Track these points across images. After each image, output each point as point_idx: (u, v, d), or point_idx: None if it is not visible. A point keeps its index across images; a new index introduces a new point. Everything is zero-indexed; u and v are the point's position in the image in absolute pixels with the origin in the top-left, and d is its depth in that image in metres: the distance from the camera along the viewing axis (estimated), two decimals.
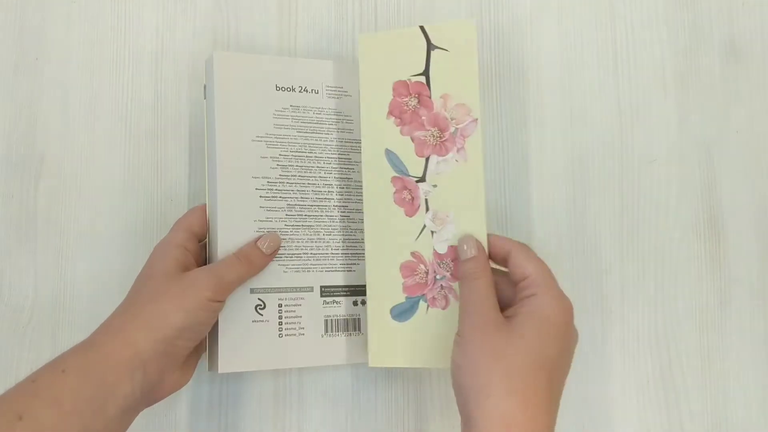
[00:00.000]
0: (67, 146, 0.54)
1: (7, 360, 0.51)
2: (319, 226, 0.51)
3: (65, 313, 0.52)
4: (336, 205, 0.51)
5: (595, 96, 0.57)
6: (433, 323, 0.46)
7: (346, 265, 0.51)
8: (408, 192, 0.48)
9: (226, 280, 0.44)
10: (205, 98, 0.51)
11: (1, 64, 0.54)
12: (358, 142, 0.51)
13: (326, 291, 0.50)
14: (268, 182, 0.50)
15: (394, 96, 0.48)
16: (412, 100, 0.48)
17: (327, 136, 0.52)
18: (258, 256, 0.47)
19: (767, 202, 0.57)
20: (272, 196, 0.50)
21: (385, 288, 0.47)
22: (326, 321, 0.50)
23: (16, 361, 0.51)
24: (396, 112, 0.48)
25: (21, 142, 0.54)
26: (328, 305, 0.50)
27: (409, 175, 0.48)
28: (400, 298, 0.47)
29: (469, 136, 0.47)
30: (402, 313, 0.47)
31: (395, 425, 0.53)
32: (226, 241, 0.48)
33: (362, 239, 0.50)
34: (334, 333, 0.50)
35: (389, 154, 0.48)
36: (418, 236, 0.47)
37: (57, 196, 0.53)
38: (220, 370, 0.47)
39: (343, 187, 0.51)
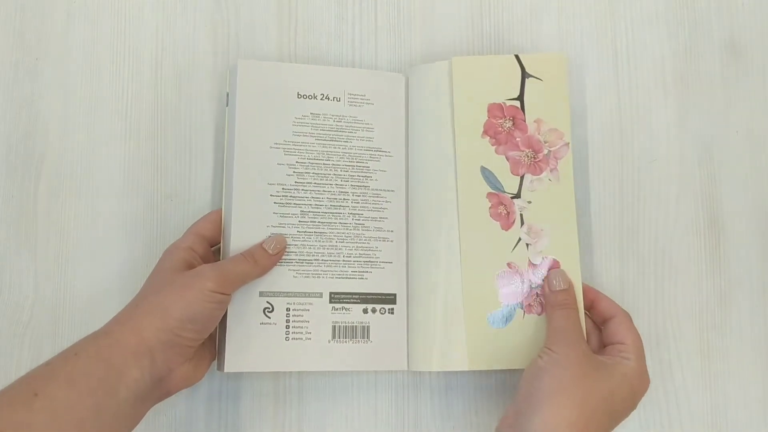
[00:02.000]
0: (67, 146, 0.54)
1: (7, 360, 0.51)
2: (332, 233, 0.51)
3: (65, 313, 0.52)
4: (351, 213, 0.51)
5: (595, 96, 0.57)
6: (529, 328, 0.50)
7: (358, 273, 0.51)
8: (504, 207, 0.51)
9: (229, 274, 0.45)
10: (227, 105, 0.52)
11: (1, 64, 0.54)
12: (378, 150, 0.52)
13: (336, 297, 0.50)
14: (283, 189, 0.50)
15: (489, 117, 0.52)
16: (507, 122, 0.51)
17: (346, 143, 0.52)
18: (263, 256, 0.48)
19: (767, 202, 0.57)
20: (286, 203, 0.50)
21: (481, 296, 0.50)
22: (334, 327, 0.50)
23: (16, 361, 0.51)
24: (491, 132, 0.51)
25: (21, 142, 0.54)
26: (336, 311, 0.50)
27: (505, 192, 0.51)
28: (497, 305, 0.50)
29: (562, 158, 0.51)
30: (500, 319, 0.50)
31: (395, 425, 0.53)
32: (238, 245, 0.49)
33: (376, 247, 0.52)
34: (341, 339, 0.50)
35: (484, 171, 0.51)
36: (514, 248, 0.50)
37: (57, 196, 0.53)
38: (225, 370, 0.48)
39: (359, 195, 0.52)
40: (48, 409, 0.37)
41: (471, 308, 0.50)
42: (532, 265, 0.50)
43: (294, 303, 0.49)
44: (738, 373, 0.55)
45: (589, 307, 0.50)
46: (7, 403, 0.37)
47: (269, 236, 0.49)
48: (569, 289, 0.48)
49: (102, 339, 0.41)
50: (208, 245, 0.49)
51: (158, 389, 0.43)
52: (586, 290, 0.50)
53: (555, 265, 0.50)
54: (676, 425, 0.54)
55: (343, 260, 0.51)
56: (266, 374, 0.52)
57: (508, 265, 0.50)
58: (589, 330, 0.49)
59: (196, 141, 0.54)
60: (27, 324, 0.52)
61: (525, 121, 0.51)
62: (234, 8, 0.56)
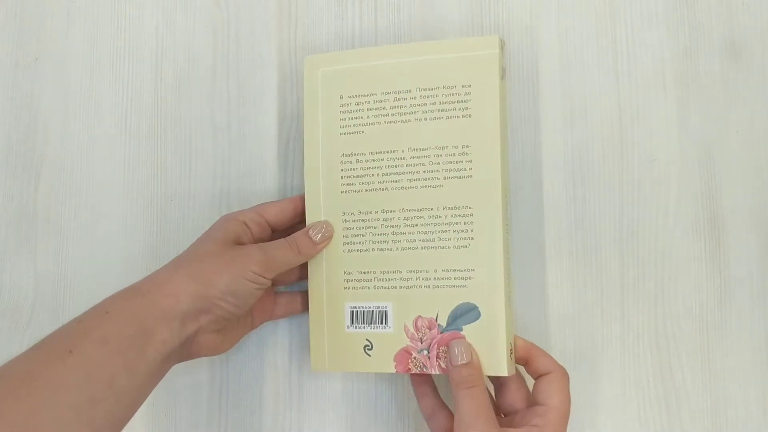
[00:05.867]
0: (67, 146, 0.54)
1: (7, 360, 0.51)
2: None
3: (65, 313, 0.52)
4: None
5: (595, 96, 0.57)
6: None
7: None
8: None
9: (274, 261, 0.45)
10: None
11: (1, 65, 0.54)
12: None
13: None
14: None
15: None
16: None
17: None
18: (307, 245, 0.47)
19: (767, 202, 0.57)
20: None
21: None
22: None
23: None
24: None
25: (21, 142, 0.54)
26: None
27: None
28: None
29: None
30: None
31: (395, 426, 0.53)
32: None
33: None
34: None
35: None
36: None
37: (57, 196, 0.53)
38: (312, 369, 0.48)
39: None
40: (82, 366, 0.38)
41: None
42: None
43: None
44: (738, 373, 0.55)
45: (524, 363, 0.47)
46: (44, 358, 0.38)
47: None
48: (472, 361, 0.44)
49: (135, 299, 0.42)
50: (267, 228, 0.49)
51: (183, 350, 0.44)
52: (520, 346, 0.46)
53: (456, 335, 0.46)
54: (676, 425, 0.54)
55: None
56: (266, 374, 0.52)
57: None
58: (518, 385, 0.46)
59: (196, 141, 0.54)
60: (27, 324, 0.52)
61: None
62: (234, 8, 0.56)
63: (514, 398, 0.46)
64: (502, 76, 0.48)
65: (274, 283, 0.51)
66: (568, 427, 0.53)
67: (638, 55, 0.58)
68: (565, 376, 0.44)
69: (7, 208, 0.53)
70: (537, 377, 0.45)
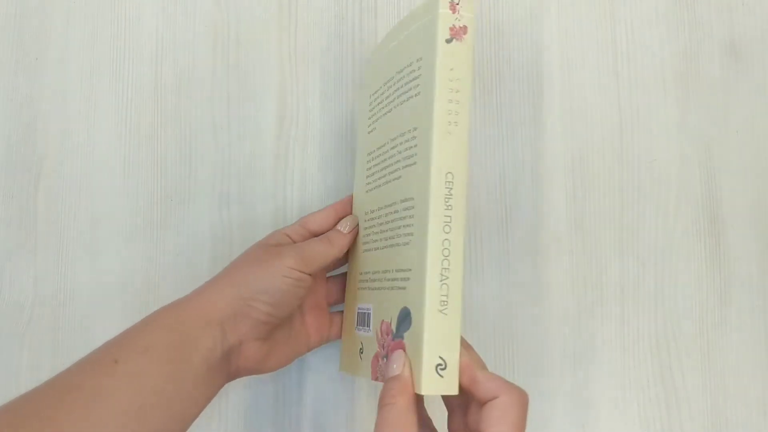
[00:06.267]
0: (67, 146, 0.54)
1: (7, 360, 0.51)
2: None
3: (65, 313, 0.52)
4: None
5: (595, 96, 0.57)
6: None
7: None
8: None
9: (309, 254, 0.45)
10: None
11: (1, 64, 0.54)
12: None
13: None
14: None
15: None
16: None
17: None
18: (337, 236, 0.48)
19: (767, 202, 0.57)
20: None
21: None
22: None
23: (16, 360, 0.51)
24: None
25: (21, 142, 0.54)
26: None
27: None
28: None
29: None
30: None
31: None
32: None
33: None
34: None
35: None
36: None
37: (57, 196, 0.53)
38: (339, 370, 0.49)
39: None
40: (129, 375, 0.38)
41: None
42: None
43: None
44: (738, 372, 0.55)
45: (468, 387, 0.37)
46: (90, 369, 0.38)
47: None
48: (400, 376, 0.37)
49: (174, 310, 0.42)
50: (309, 237, 0.48)
51: (229, 362, 0.43)
52: (461, 368, 0.37)
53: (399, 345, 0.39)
54: (676, 425, 0.54)
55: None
56: (266, 375, 0.52)
57: None
58: (476, 408, 0.38)
59: (196, 141, 0.54)
60: (27, 324, 0.52)
61: None
62: (234, 8, 0.56)
63: (472, 423, 0.38)
64: (451, 40, 0.38)
65: (329, 302, 0.51)
66: (570, 428, 0.53)
67: (638, 55, 0.58)
68: (512, 402, 0.36)
69: (7, 208, 0.53)
70: (484, 403, 0.37)
